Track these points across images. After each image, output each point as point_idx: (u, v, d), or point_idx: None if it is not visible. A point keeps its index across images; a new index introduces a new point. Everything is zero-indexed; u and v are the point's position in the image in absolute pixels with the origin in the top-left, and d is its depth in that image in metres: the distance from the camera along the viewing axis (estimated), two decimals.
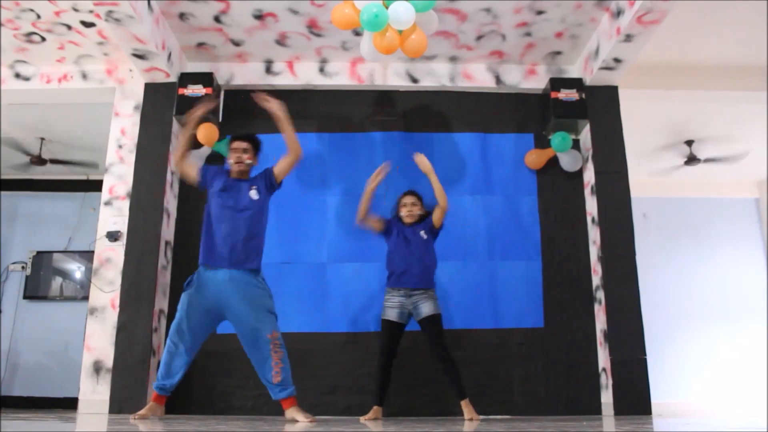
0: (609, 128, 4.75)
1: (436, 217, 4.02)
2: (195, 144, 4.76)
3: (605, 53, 4.42)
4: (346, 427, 2.79)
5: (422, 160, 4.11)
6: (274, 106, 3.67)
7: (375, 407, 3.80)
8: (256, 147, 3.71)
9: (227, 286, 3.39)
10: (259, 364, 3.45)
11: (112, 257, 4.50)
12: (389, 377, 3.83)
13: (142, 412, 3.45)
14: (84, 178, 7.04)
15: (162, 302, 4.46)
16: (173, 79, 4.71)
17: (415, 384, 4.37)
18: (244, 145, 3.65)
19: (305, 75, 4.98)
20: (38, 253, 7.01)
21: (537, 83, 4.98)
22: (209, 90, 4.67)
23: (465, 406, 3.78)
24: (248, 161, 3.65)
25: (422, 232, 3.99)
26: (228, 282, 3.40)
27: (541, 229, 4.75)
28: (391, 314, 3.85)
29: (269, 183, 3.68)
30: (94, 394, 4.23)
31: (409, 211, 4.03)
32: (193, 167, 3.73)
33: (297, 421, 3.36)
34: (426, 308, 3.84)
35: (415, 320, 3.89)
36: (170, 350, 3.44)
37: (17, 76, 4.94)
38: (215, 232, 3.48)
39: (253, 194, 3.57)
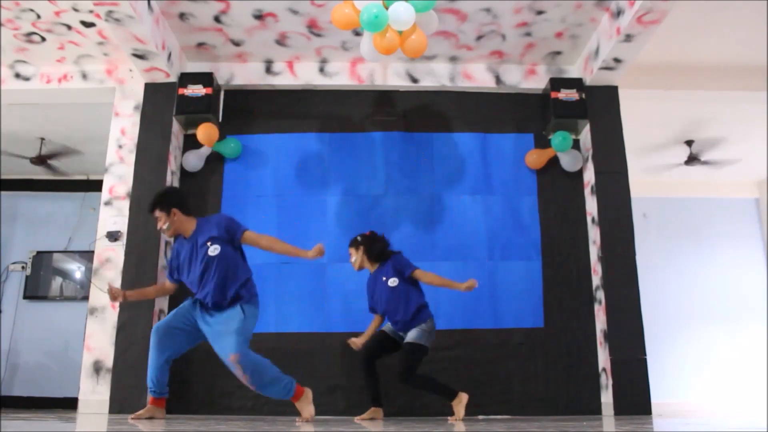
0: (609, 128, 4.75)
1: (417, 275, 3.82)
2: (195, 144, 4.77)
3: (605, 53, 4.42)
4: (346, 427, 2.79)
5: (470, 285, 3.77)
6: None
7: (372, 408, 3.82)
8: (164, 207, 3.51)
9: (201, 322, 3.49)
10: None
11: (112, 257, 4.50)
12: (375, 378, 3.83)
13: (140, 412, 3.46)
14: (84, 178, 7.04)
15: (162, 302, 4.46)
16: (173, 79, 4.71)
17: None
18: (156, 214, 3.52)
19: (305, 75, 4.98)
20: (38, 253, 7.01)
21: (537, 83, 4.98)
22: (209, 90, 4.67)
23: (454, 405, 3.76)
24: (165, 227, 3.51)
25: (389, 281, 3.83)
26: (201, 319, 3.49)
27: (541, 229, 4.75)
28: (387, 327, 3.95)
29: (231, 239, 3.51)
30: (94, 394, 4.23)
31: (354, 261, 3.98)
32: (166, 285, 3.76)
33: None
34: (411, 334, 3.75)
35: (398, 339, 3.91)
36: (159, 359, 3.45)
37: (17, 76, 4.94)
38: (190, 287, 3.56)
39: (212, 251, 3.45)
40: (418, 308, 3.79)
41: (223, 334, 3.34)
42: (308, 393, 3.49)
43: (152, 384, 3.47)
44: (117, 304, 4.31)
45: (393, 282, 3.82)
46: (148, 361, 3.47)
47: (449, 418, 3.79)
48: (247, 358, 3.30)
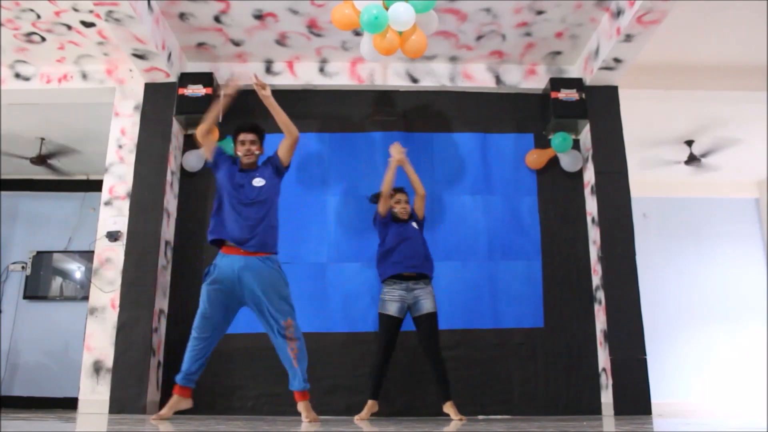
0: (609, 128, 4.75)
1: (417, 207, 4.14)
2: (195, 144, 4.77)
3: (605, 53, 4.42)
4: (346, 427, 2.79)
5: (397, 150, 4.15)
6: (264, 91, 3.68)
7: (370, 401, 3.81)
8: (261, 137, 3.74)
9: (243, 274, 3.39)
10: (280, 350, 3.48)
11: (112, 257, 4.50)
12: (387, 372, 3.86)
13: (162, 411, 3.41)
14: (84, 178, 7.04)
15: (162, 302, 4.46)
16: (173, 79, 4.71)
17: (415, 384, 4.37)
18: (251, 136, 3.67)
19: (305, 75, 4.98)
20: (38, 253, 7.01)
21: (537, 83, 4.98)
22: (209, 90, 4.67)
23: (449, 407, 3.80)
24: (257, 152, 3.68)
25: (416, 225, 4.08)
26: (244, 269, 3.39)
27: (541, 229, 4.75)
28: (391, 308, 3.85)
29: (276, 168, 3.69)
30: (94, 394, 4.23)
31: (403, 207, 4.08)
32: (211, 145, 3.74)
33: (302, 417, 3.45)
34: (427, 304, 3.85)
35: (412, 316, 3.89)
36: (191, 341, 3.45)
37: (17, 76, 4.94)
38: (226, 221, 3.49)
39: (258, 182, 3.59)
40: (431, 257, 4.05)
41: (275, 296, 3.41)
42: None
43: (188, 371, 3.47)
44: (117, 302, 4.31)
45: (418, 227, 4.09)
46: (191, 349, 3.47)
47: (457, 417, 3.76)
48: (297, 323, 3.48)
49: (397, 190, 4.14)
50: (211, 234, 3.52)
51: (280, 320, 3.40)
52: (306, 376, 3.48)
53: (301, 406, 3.46)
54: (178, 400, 3.45)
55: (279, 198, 3.69)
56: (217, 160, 3.70)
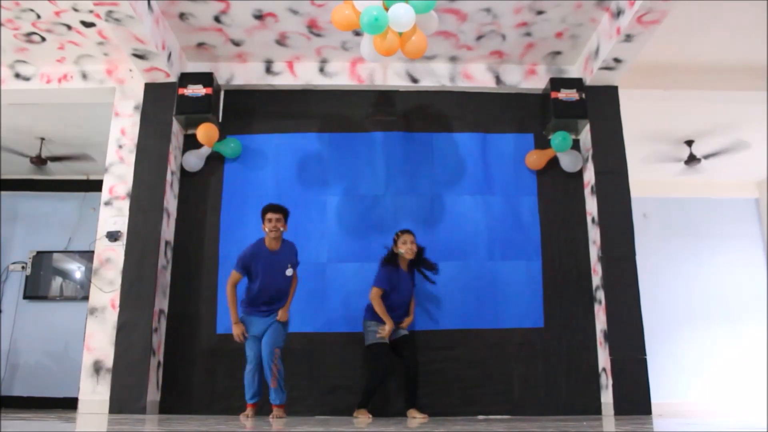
0: (609, 128, 4.75)
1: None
2: (195, 144, 4.77)
3: (605, 53, 4.41)
4: (346, 427, 2.79)
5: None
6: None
7: (363, 410, 4.04)
8: (286, 216, 4.02)
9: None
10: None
11: (112, 257, 4.50)
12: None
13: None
14: (84, 178, 7.03)
15: (162, 302, 4.46)
16: (173, 79, 4.71)
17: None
18: (277, 215, 3.96)
19: (305, 75, 4.98)
20: (38, 253, 7.01)
21: (537, 83, 4.97)
22: (209, 90, 4.66)
23: (414, 413, 4.04)
24: (282, 229, 3.97)
25: (411, 284, 4.29)
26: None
27: (541, 229, 4.75)
28: (387, 338, 4.12)
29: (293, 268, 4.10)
30: (94, 394, 4.23)
31: (410, 248, 4.19)
32: (237, 281, 4.00)
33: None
34: (403, 330, 4.22)
35: (390, 339, 4.14)
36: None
37: (17, 76, 4.94)
38: (258, 296, 3.96)
39: (289, 272, 4.00)
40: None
41: (279, 330, 3.93)
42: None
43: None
44: (117, 302, 4.32)
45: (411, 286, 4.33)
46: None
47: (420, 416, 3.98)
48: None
49: (404, 231, 4.26)
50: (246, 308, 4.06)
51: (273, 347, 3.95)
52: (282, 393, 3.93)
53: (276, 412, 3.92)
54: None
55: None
56: (246, 268, 3.96)
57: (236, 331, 3.88)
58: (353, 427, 2.80)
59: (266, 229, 3.96)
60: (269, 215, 3.96)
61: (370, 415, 4.02)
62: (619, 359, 4.28)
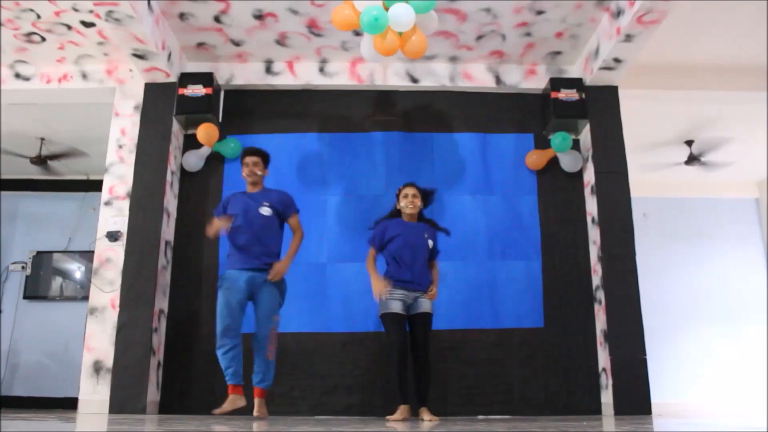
0: (609, 128, 4.75)
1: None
2: (195, 144, 4.77)
3: (605, 53, 4.42)
4: (346, 427, 2.79)
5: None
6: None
7: (402, 406, 3.64)
8: (265, 160, 3.98)
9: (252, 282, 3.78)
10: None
11: (112, 257, 4.50)
12: (408, 372, 3.72)
13: (225, 406, 3.66)
14: (84, 178, 7.04)
15: (162, 302, 4.46)
16: (173, 79, 4.71)
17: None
18: (254, 158, 3.92)
19: (305, 75, 4.98)
20: (38, 253, 7.01)
21: (537, 83, 4.98)
22: (209, 90, 4.67)
23: (425, 412, 3.70)
24: (259, 173, 3.91)
25: (428, 239, 3.93)
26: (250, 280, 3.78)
27: (541, 229, 4.75)
28: (396, 306, 3.76)
29: (281, 214, 3.93)
30: (94, 394, 4.23)
31: (410, 202, 3.92)
32: (223, 223, 3.88)
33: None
34: (426, 304, 3.83)
35: (408, 313, 3.81)
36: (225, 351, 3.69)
37: (17, 76, 4.94)
38: (235, 240, 3.82)
39: (265, 211, 3.84)
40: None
41: (273, 294, 3.77)
42: (238, 399, 3.71)
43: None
44: (117, 302, 4.32)
45: (431, 243, 3.95)
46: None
47: (431, 418, 3.65)
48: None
49: (407, 184, 4.02)
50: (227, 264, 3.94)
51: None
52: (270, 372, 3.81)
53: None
54: (236, 399, 3.74)
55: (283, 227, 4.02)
56: (223, 210, 3.94)
57: (213, 226, 3.79)
58: (353, 426, 2.80)
59: (244, 175, 3.92)
60: (246, 159, 3.92)
61: (404, 413, 3.61)
62: (619, 359, 4.28)
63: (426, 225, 4.00)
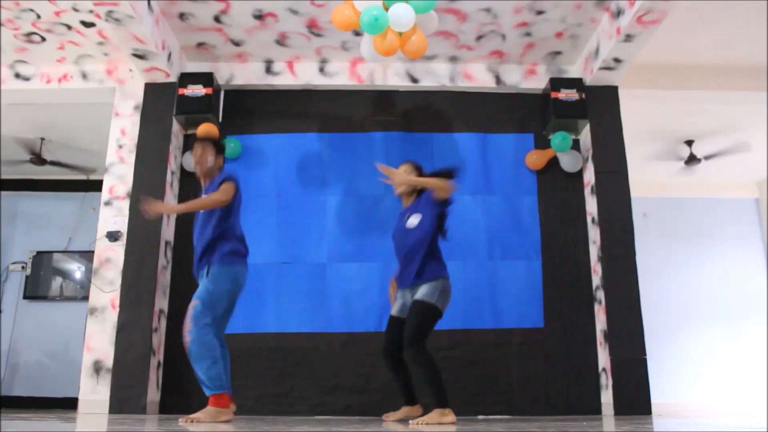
0: (609, 128, 4.75)
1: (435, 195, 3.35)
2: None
3: (605, 53, 4.42)
4: (346, 427, 2.79)
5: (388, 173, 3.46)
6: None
7: (404, 407, 3.45)
8: (216, 145, 3.55)
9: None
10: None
11: (112, 257, 4.50)
12: (403, 374, 3.37)
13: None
14: (84, 178, 7.04)
15: (162, 302, 4.46)
16: (173, 79, 4.71)
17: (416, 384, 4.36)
18: (201, 145, 3.53)
19: (305, 75, 4.98)
20: (38, 253, 7.01)
21: (537, 83, 4.97)
22: (209, 90, 4.67)
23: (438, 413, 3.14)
24: (210, 161, 3.50)
25: (411, 217, 3.37)
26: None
27: (541, 229, 4.75)
28: (394, 308, 3.44)
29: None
30: (94, 394, 4.23)
31: (399, 181, 3.44)
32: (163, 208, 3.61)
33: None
34: (417, 293, 3.24)
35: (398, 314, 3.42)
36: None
37: (17, 76, 4.94)
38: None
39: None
40: (427, 254, 3.29)
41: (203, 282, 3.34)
42: (227, 412, 3.23)
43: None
44: (117, 302, 4.31)
45: (414, 220, 3.32)
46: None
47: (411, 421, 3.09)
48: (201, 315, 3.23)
49: (402, 163, 3.64)
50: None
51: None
52: (209, 377, 3.22)
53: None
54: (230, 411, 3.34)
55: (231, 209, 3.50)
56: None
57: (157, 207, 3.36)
58: (352, 426, 2.80)
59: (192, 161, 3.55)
60: (194, 145, 3.53)
61: (402, 413, 3.40)
62: (619, 359, 4.28)
63: (417, 199, 3.45)
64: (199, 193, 3.62)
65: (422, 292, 3.22)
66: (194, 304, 3.25)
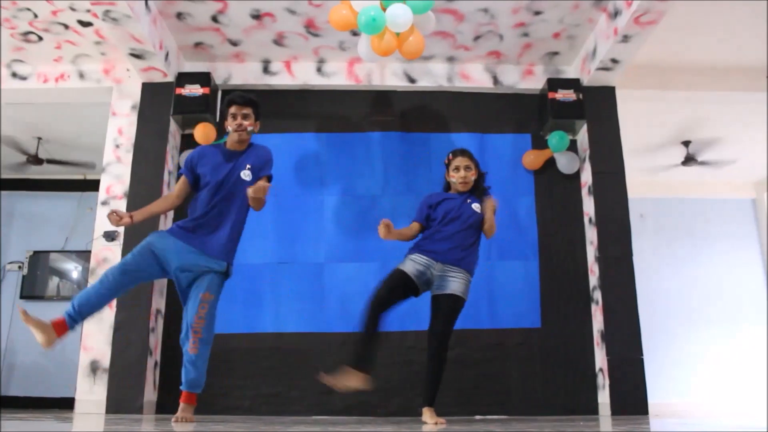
0: (606, 129, 4.76)
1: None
2: (192, 144, 4.76)
3: (602, 54, 4.42)
4: (345, 427, 2.79)
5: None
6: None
7: (360, 373, 3.04)
8: (257, 111, 3.24)
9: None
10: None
11: (109, 257, 4.49)
12: (377, 338, 3.11)
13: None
14: (81, 177, 7.03)
15: (159, 302, 4.45)
16: (170, 78, 4.70)
17: (414, 384, 4.36)
18: (245, 110, 3.18)
19: (303, 75, 4.97)
20: (35, 252, 7.00)
21: (534, 83, 4.98)
22: (206, 90, 4.66)
23: (428, 413, 3.20)
24: (249, 128, 3.19)
25: (474, 204, 3.31)
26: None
27: (539, 230, 4.76)
28: (410, 267, 3.22)
29: (257, 175, 3.22)
30: (91, 394, 4.22)
31: (463, 177, 3.34)
32: (180, 188, 3.30)
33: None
34: (455, 285, 3.17)
35: (432, 293, 3.23)
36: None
37: (14, 75, 4.93)
38: (198, 210, 3.19)
39: (246, 175, 3.15)
40: (477, 250, 3.31)
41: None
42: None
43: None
44: (114, 301, 4.30)
45: (477, 208, 3.30)
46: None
47: (432, 420, 3.14)
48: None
49: (458, 153, 3.41)
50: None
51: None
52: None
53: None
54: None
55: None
56: (190, 170, 3.24)
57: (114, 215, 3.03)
58: (350, 427, 2.80)
59: (230, 128, 3.16)
60: (233, 109, 3.15)
61: (350, 380, 3.06)
62: (616, 359, 4.29)
63: (474, 194, 3.42)
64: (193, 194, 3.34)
65: (460, 286, 3.21)
66: (207, 300, 3.05)
